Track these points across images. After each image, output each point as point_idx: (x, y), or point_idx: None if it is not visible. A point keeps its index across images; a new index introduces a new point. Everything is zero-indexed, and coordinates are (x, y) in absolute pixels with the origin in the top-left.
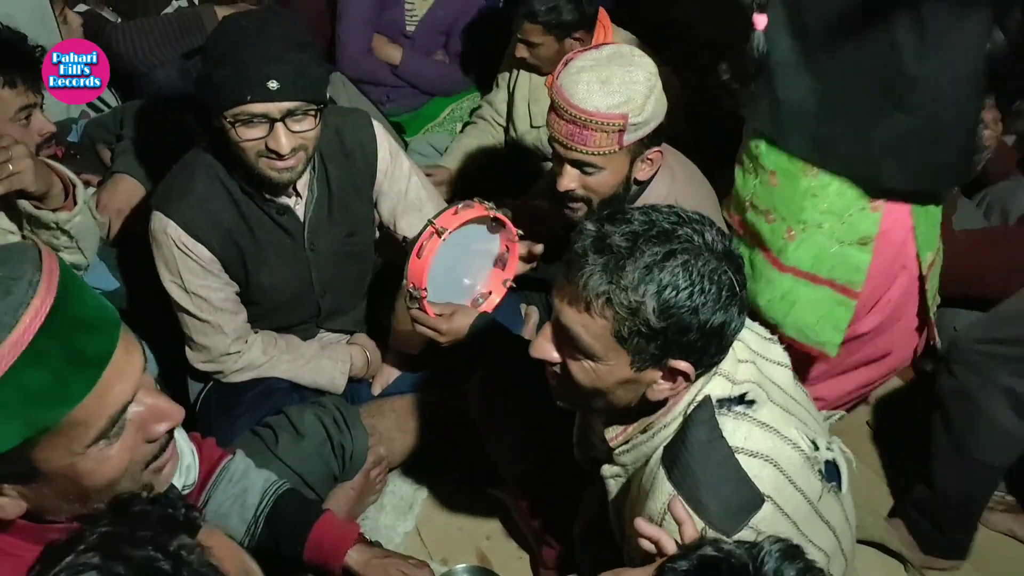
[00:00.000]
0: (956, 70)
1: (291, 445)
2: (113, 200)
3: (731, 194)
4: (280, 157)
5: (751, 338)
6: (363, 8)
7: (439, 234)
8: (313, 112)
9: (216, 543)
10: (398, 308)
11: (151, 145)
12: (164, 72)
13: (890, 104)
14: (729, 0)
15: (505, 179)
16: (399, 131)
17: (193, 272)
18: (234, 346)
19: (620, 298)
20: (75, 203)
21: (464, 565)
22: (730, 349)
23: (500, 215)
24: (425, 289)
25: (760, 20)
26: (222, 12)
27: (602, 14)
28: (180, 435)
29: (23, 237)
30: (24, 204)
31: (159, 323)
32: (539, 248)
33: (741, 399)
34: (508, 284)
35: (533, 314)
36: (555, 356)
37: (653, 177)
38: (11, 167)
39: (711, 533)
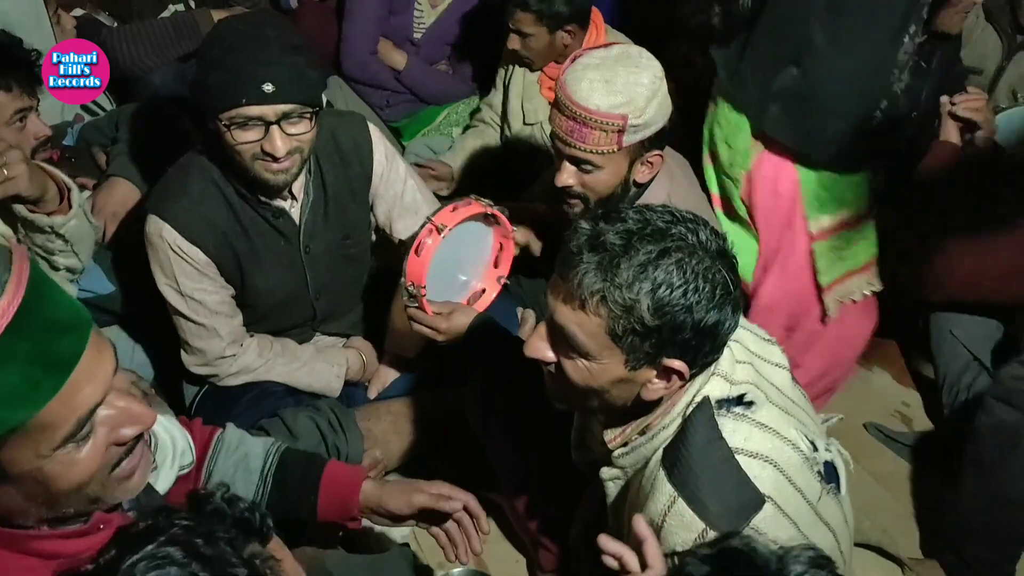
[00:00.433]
0: (860, 57)
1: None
2: (108, 203)
3: None
4: (275, 160)
5: (749, 339)
6: (372, 9)
7: (439, 231)
8: (308, 115)
9: (284, 556)
10: (395, 307)
11: (146, 148)
12: (160, 75)
13: (788, 59)
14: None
15: (501, 180)
16: (396, 136)
17: (188, 275)
18: (229, 349)
19: (615, 296)
20: (70, 207)
21: (460, 569)
22: (727, 350)
23: (496, 211)
24: (424, 287)
25: None
26: (218, 16)
27: (595, 14)
28: (169, 421)
29: (18, 241)
30: (19, 208)
31: (154, 326)
32: (537, 247)
33: (740, 400)
34: (503, 281)
35: (530, 317)
36: (550, 355)
37: (652, 180)
38: (5, 172)
39: (712, 535)
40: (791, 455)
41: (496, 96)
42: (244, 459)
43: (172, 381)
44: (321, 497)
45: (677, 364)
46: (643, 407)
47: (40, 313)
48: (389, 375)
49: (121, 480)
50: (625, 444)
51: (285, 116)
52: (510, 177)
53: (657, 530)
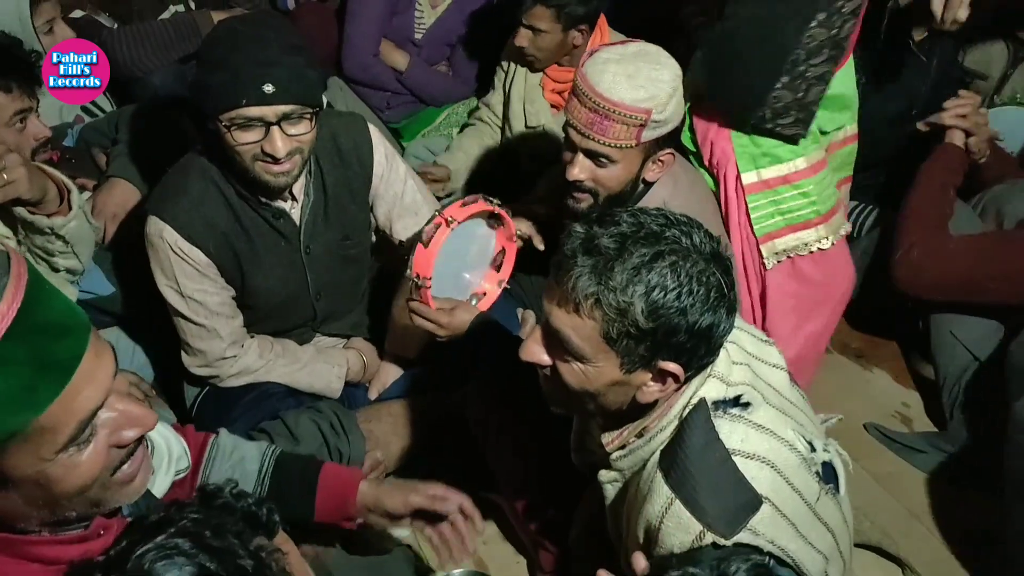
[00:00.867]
0: (773, 14)
1: (287, 450)
2: (108, 204)
3: None
4: (276, 161)
5: (746, 340)
6: (375, 11)
7: (447, 224)
8: (308, 115)
9: (290, 550)
10: (396, 307)
11: (146, 149)
12: (160, 76)
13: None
14: None
15: (501, 181)
16: (396, 137)
17: (189, 276)
18: (230, 350)
19: (609, 299)
20: (70, 208)
21: (461, 569)
22: (724, 351)
23: (502, 211)
24: (430, 279)
25: None
26: (218, 17)
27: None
28: (164, 426)
29: (18, 242)
30: (19, 210)
31: (155, 328)
32: (539, 241)
33: (736, 401)
34: (504, 284)
35: (530, 318)
36: (545, 359)
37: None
38: (5, 176)
39: (710, 537)
40: (788, 456)
41: (495, 97)
42: (240, 462)
43: (173, 382)
44: (319, 497)
45: (672, 367)
46: (639, 410)
47: (39, 317)
48: (389, 376)
49: (122, 483)
50: (623, 447)
51: (285, 117)
52: (510, 178)
53: (655, 532)
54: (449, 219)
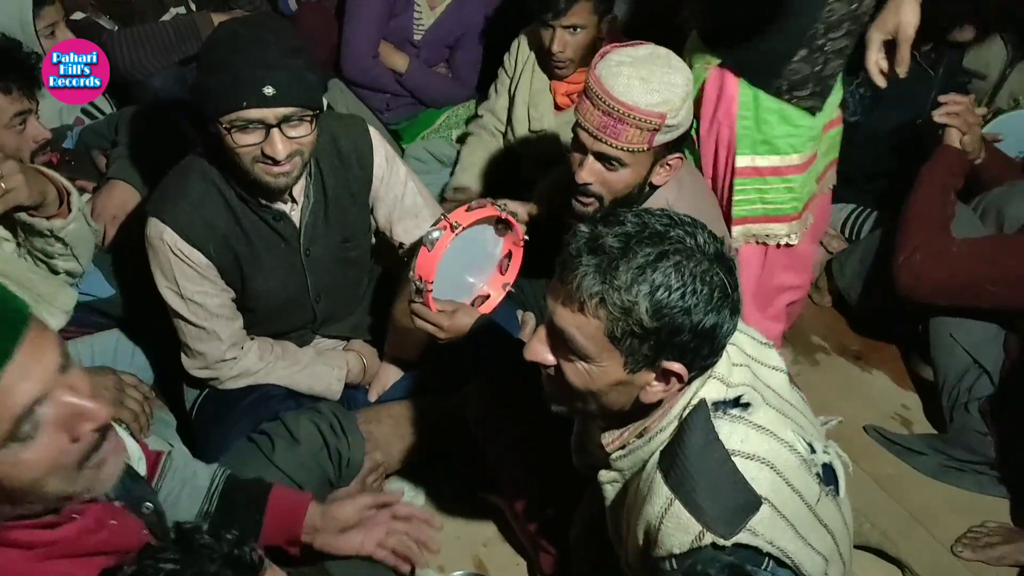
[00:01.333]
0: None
1: (287, 452)
2: (108, 206)
3: None
4: (276, 163)
5: (746, 342)
6: (374, 12)
7: (452, 229)
8: (309, 118)
9: None
10: (397, 309)
11: (146, 151)
12: (160, 78)
13: None
14: None
15: (502, 185)
16: (396, 138)
17: (189, 278)
18: (230, 352)
19: (613, 298)
20: (69, 210)
21: (461, 572)
22: (724, 352)
23: (509, 217)
24: (432, 282)
25: None
26: (218, 19)
27: None
28: (124, 432)
29: (17, 245)
30: (18, 213)
31: (155, 330)
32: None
33: (736, 402)
34: (508, 288)
35: (530, 320)
36: (549, 358)
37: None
38: (3, 185)
39: (709, 537)
40: (788, 457)
41: (499, 101)
42: (192, 477)
43: (173, 385)
44: (268, 516)
45: (676, 367)
46: (641, 410)
47: None
48: (389, 377)
49: (93, 472)
50: (623, 447)
51: (285, 119)
52: (511, 181)
53: (654, 533)
54: (454, 224)
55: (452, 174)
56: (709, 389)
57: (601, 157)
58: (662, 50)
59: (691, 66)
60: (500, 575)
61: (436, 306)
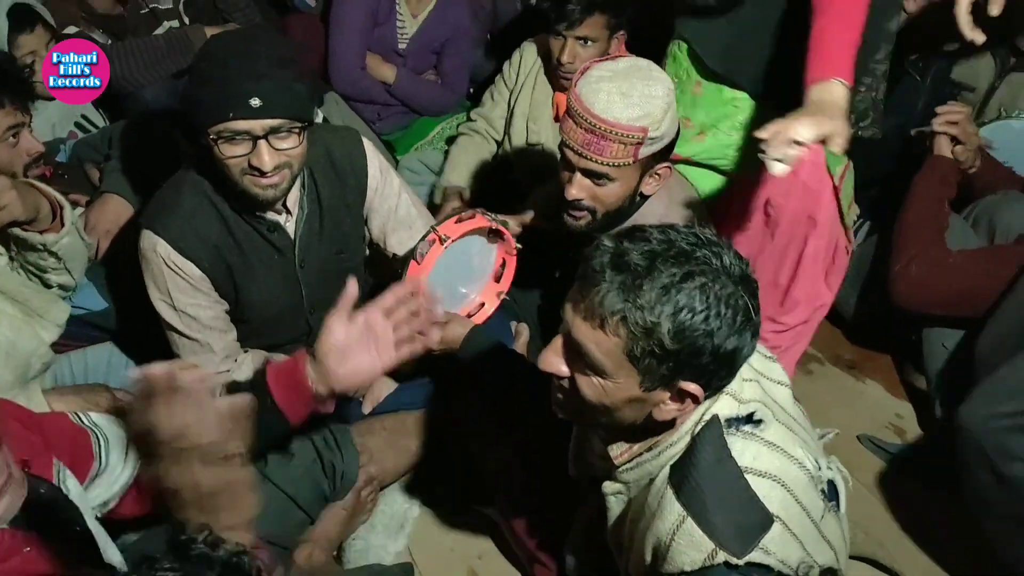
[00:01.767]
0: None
1: (280, 466)
2: (101, 220)
3: None
4: (263, 174)
5: (753, 357)
6: (356, 24)
7: (441, 241)
8: (297, 130)
9: None
10: None
11: (139, 164)
12: (152, 91)
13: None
14: None
15: (496, 195)
16: (390, 150)
17: (182, 290)
18: (223, 365)
19: (635, 317)
20: (62, 224)
21: None
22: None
23: (501, 227)
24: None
25: None
26: (211, 32)
27: None
28: (106, 419)
29: (10, 258)
30: (11, 227)
31: (148, 342)
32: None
33: (749, 418)
34: (502, 296)
35: (524, 331)
36: (564, 370)
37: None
38: None
39: (722, 555)
40: (798, 474)
41: (495, 110)
42: None
43: None
44: (275, 391)
45: (692, 387)
46: (653, 426)
47: None
48: (383, 389)
49: None
50: (631, 460)
51: (273, 131)
52: (506, 192)
53: (664, 549)
54: (443, 237)
55: (440, 173)
56: (721, 405)
57: (588, 173)
58: (643, 62)
59: (674, 77)
60: None
61: None
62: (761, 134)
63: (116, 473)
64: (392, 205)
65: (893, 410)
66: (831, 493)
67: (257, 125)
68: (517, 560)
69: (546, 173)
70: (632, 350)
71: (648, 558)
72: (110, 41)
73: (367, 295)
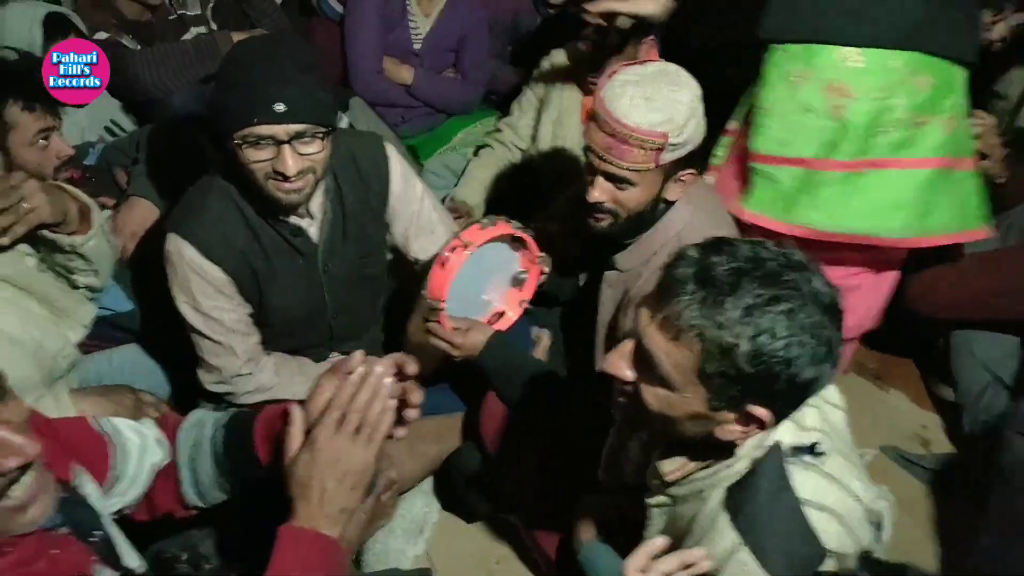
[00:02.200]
0: None
1: None
2: (128, 222)
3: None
4: (287, 179)
5: None
6: (369, 30)
7: (464, 248)
8: (321, 135)
9: None
10: (411, 326)
11: (166, 168)
12: (180, 97)
13: None
14: None
15: (517, 199)
16: (413, 154)
17: (206, 293)
18: (245, 367)
19: (713, 335)
20: (90, 226)
21: None
22: None
23: (524, 235)
24: (444, 302)
25: None
26: (238, 38)
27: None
28: (144, 426)
29: (40, 260)
30: (41, 229)
31: (172, 344)
32: (546, 267)
33: (811, 449)
34: (524, 305)
35: (544, 337)
36: (628, 375)
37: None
38: (25, 206)
39: None
40: (853, 507)
41: (522, 119)
42: (201, 427)
43: (189, 399)
44: (256, 429)
45: (761, 412)
46: (712, 444)
47: None
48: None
49: (12, 511)
50: (684, 478)
51: (297, 136)
52: (528, 195)
53: (714, 571)
54: (466, 243)
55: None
56: (783, 431)
57: (610, 177)
58: (671, 66)
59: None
60: None
61: (450, 324)
62: None
63: (131, 483)
64: (415, 210)
65: (918, 421)
66: (878, 524)
67: (281, 130)
68: (536, 566)
69: (570, 176)
70: (704, 367)
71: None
72: (139, 47)
73: (389, 300)
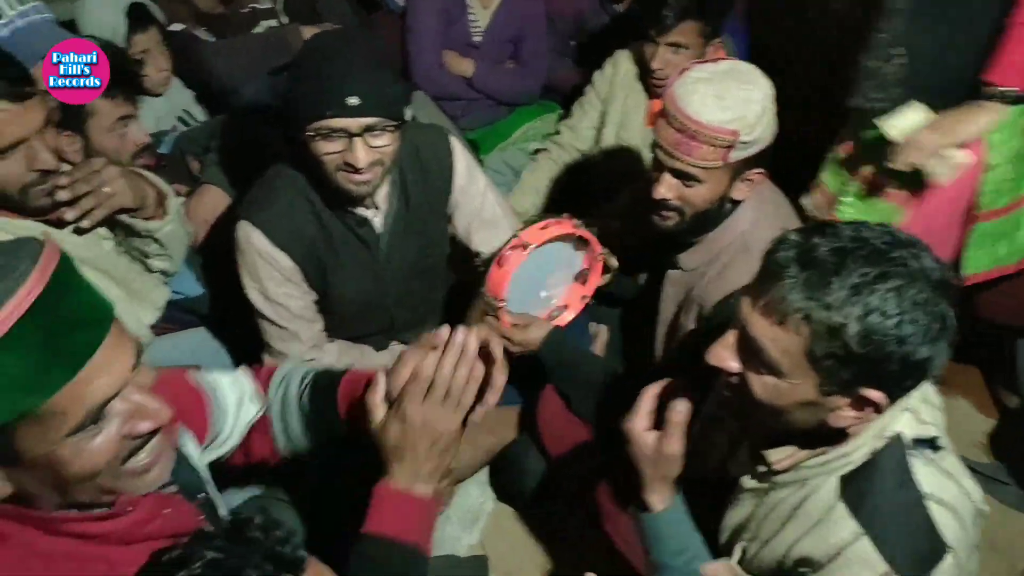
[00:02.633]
0: None
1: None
2: (200, 209)
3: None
4: (357, 171)
5: None
6: (430, 23)
7: (524, 248)
8: (391, 128)
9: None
10: (470, 319)
11: (237, 157)
12: (252, 88)
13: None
14: None
15: (574, 195)
16: (474, 148)
17: (274, 280)
18: (309, 353)
19: (820, 316)
20: (166, 212)
21: None
22: None
23: (587, 233)
24: (503, 300)
25: None
26: (307, 32)
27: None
28: (239, 375)
29: (117, 243)
30: (119, 214)
31: (239, 329)
32: (614, 261)
33: (932, 443)
34: (586, 300)
35: (602, 333)
36: (734, 366)
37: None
38: (106, 190)
39: None
40: (968, 506)
41: (584, 120)
42: (287, 380)
43: None
44: (340, 392)
45: (875, 395)
46: (824, 432)
47: (59, 306)
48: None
49: (136, 474)
50: (793, 466)
51: (368, 129)
52: (583, 196)
53: (822, 561)
54: (525, 243)
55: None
56: (903, 423)
57: (677, 174)
58: (744, 65)
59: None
60: None
61: (509, 320)
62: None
63: (228, 437)
64: (477, 204)
65: (982, 428)
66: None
67: (353, 123)
68: (589, 560)
69: (632, 178)
70: (813, 351)
71: (789, 560)
72: (213, 39)
73: (449, 292)
